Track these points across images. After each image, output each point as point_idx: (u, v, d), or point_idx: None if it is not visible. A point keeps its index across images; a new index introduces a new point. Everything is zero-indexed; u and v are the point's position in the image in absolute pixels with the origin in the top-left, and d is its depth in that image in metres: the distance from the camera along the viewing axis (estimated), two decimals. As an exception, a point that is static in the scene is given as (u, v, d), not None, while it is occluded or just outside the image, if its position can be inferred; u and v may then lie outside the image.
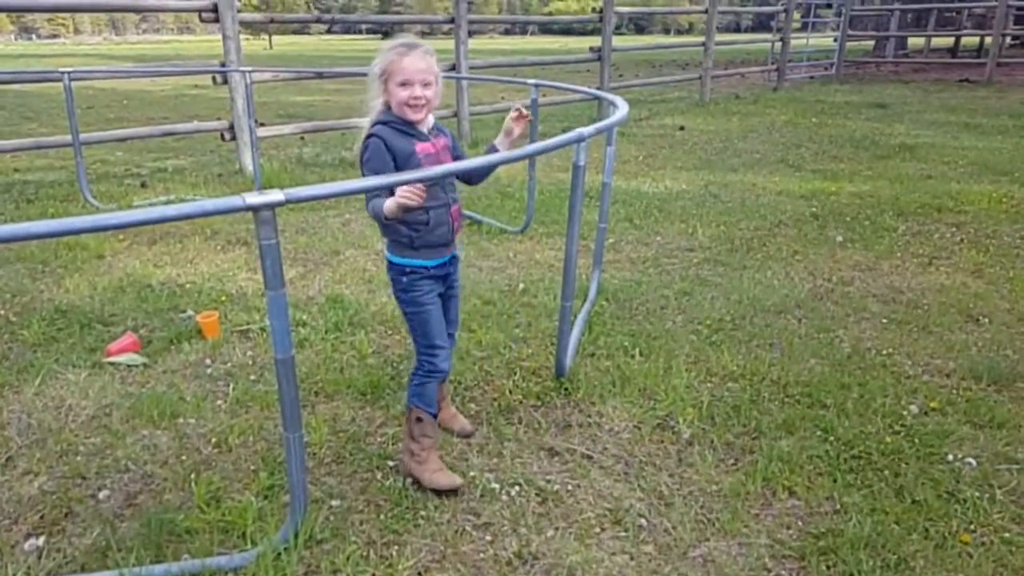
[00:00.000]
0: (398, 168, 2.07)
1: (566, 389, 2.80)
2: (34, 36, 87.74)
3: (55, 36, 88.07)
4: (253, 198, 1.65)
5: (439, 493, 2.20)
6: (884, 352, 3.12)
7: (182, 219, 1.69)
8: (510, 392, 2.80)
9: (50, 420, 2.65)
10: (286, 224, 4.97)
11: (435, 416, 2.33)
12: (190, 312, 3.55)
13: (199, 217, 2.08)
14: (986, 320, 3.44)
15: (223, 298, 3.74)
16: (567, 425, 2.61)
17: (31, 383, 2.89)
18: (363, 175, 2.10)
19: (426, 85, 2.08)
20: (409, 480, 2.26)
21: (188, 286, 3.92)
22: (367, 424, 2.61)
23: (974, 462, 2.34)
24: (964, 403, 2.70)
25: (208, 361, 3.10)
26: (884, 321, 3.44)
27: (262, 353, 3.15)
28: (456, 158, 2.26)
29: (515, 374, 2.93)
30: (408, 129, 2.12)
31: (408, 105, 2.08)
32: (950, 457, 2.37)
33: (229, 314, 3.54)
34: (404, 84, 2.06)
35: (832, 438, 2.47)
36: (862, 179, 6.30)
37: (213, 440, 2.52)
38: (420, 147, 2.12)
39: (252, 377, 2.96)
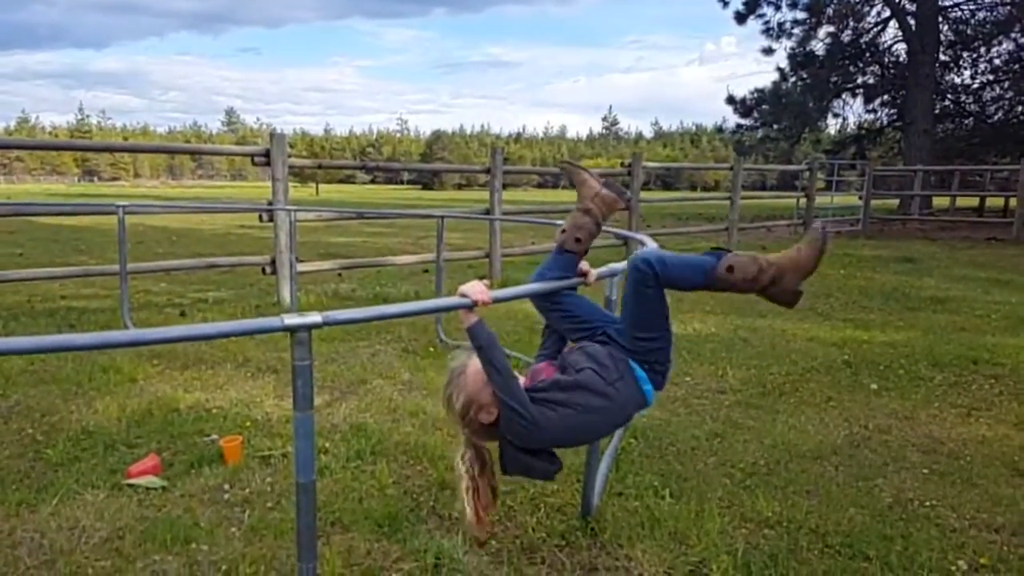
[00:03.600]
0: None
1: (592, 529, 2.69)
2: (95, 179, 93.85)
3: (115, 179, 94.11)
4: (291, 319, 1.68)
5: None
6: (927, 503, 2.96)
7: (220, 337, 1.74)
8: (533, 530, 2.69)
9: (63, 541, 2.60)
10: (317, 353, 5.01)
11: None
12: (214, 436, 3.54)
13: (237, 336, 2.12)
14: (1034, 474, 3.28)
15: (248, 424, 3.73)
16: (593, 568, 2.48)
17: (48, 502, 2.86)
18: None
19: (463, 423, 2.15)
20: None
21: (215, 411, 3.93)
22: (383, 558, 2.51)
23: (1035, 627, 2.16)
24: (1017, 561, 2.52)
25: (227, 486, 3.05)
26: (925, 472, 3.30)
27: (281, 480, 3.09)
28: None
29: (539, 511, 2.83)
30: None
31: None
32: (1008, 620, 2.19)
33: (253, 439, 3.51)
34: None
35: (877, 593, 2.31)
36: (894, 329, 6.24)
37: (224, 568, 2.43)
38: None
39: (269, 504, 2.89)
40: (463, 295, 2.02)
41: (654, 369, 2.24)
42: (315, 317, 1.68)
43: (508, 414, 2.04)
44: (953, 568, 2.47)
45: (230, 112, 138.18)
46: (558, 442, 2.18)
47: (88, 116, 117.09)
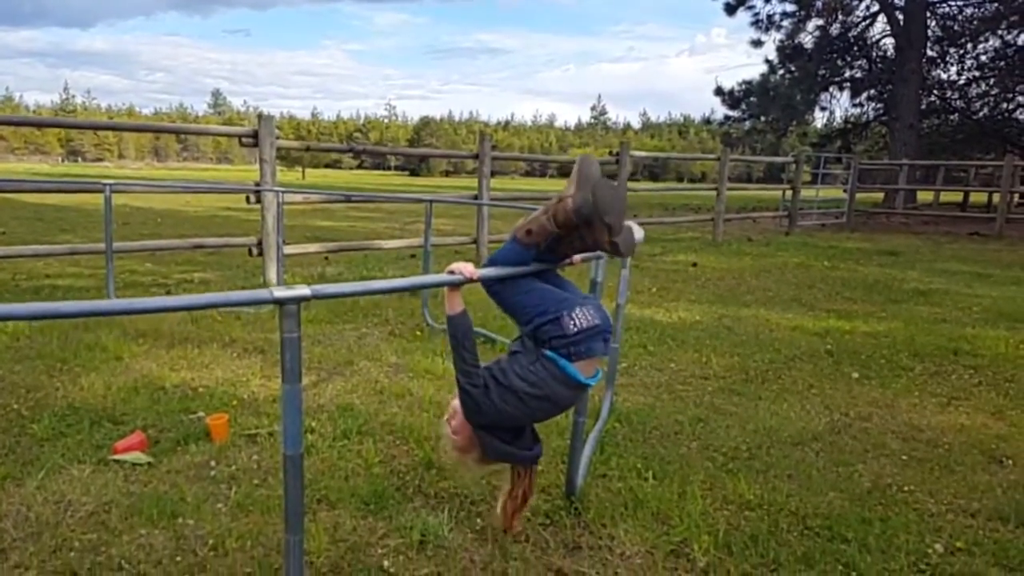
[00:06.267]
0: None
1: (576, 509, 2.72)
2: (79, 159, 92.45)
3: (100, 159, 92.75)
4: (280, 291, 1.69)
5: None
6: (906, 489, 3.02)
7: (208, 307, 1.74)
8: (518, 509, 2.72)
9: (48, 514, 2.60)
10: (304, 335, 5.01)
11: None
12: (200, 414, 3.54)
13: (226, 307, 2.13)
14: (1009, 462, 3.34)
15: (234, 402, 3.74)
16: (576, 546, 2.51)
17: (34, 477, 2.86)
18: None
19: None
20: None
21: (201, 389, 3.93)
22: (368, 534, 2.53)
23: (1006, 607, 2.22)
24: (992, 544, 2.58)
25: (213, 463, 3.06)
26: (904, 458, 3.36)
27: (268, 458, 3.10)
28: None
29: (524, 490, 2.86)
30: None
31: None
32: (980, 600, 2.25)
33: (239, 418, 3.52)
34: None
35: (854, 574, 2.36)
36: (876, 320, 6.32)
37: (210, 542, 2.44)
38: None
39: (255, 481, 2.90)
40: (452, 272, 2.06)
41: (553, 346, 2.23)
42: (304, 290, 1.69)
43: (462, 395, 2.26)
44: (930, 551, 2.52)
45: (216, 94, 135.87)
46: (501, 421, 2.32)
47: (73, 96, 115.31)
